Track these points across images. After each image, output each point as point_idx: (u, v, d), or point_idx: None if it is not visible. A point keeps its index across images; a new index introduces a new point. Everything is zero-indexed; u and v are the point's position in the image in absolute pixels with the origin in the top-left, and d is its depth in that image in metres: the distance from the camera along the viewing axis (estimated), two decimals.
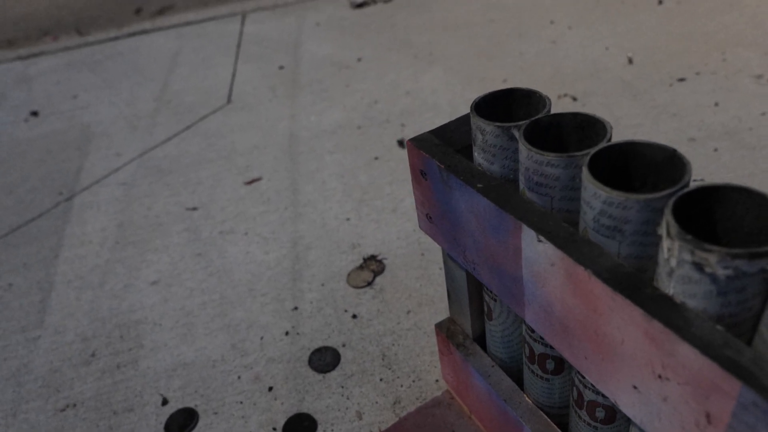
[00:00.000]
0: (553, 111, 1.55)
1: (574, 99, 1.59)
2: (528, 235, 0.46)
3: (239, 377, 0.98)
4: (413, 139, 0.59)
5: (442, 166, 0.54)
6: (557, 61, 1.79)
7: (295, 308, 1.09)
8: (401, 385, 0.94)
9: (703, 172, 1.24)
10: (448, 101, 1.68)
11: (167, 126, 1.79)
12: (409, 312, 1.05)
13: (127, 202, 1.45)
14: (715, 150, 1.29)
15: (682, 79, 1.58)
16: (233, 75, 2.07)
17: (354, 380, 0.96)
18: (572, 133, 0.50)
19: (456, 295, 0.73)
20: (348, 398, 0.93)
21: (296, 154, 1.55)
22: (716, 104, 1.45)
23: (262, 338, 1.04)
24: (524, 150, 0.46)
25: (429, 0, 2.43)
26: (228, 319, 1.09)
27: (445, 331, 0.78)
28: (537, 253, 0.46)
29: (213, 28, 2.52)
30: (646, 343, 0.38)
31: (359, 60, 2.02)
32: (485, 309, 0.69)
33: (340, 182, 1.41)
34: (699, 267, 0.35)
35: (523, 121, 0.48)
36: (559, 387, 0.62)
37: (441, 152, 0.56)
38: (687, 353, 0.35)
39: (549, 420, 0.64)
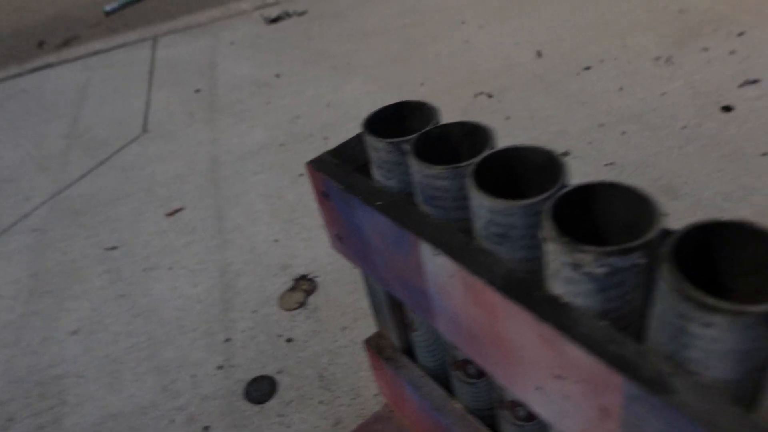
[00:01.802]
0: (471, 110, 1.57)
1: (490, 96, 1.62)
2: (426, 249, 0.46)
3: (173, 421, 0.94)
4: (312, 162, 0.58)
5: (342, 187, 0.53)
6: (471, 60, 1.82)
7: (228, 340, 1.06)
8: (341, 405, 0.93)
9: (614, 155, 1.29)
10: (370, 110, 1.68)
11: (80, 163, 1.71)
12: (344, 329, 1.04)
13: (40, 249, 1.38)
14: (624, 133, 1.35)
15: (588, 68, 1.64)
16: (147, 103, 2.00)
17: (293, 407, 0.94)
18: (463, 142, 0.50)
19: (379, 309, 0.72)
20: (288, 426, 0.91)
21: (220, 178, 1.52)
22: (621, 89, 1.51)
23: (194, 376, 1.00)
24: (413, 164, 0.46)
25: (343, 10, 2.44)
26: (157, 361, 1.05)
27: (375, 345, 0.77)
28: (437, 266, 0.46)
29: (122, 56, 2.44)
30: (542, 345, 0.39)
31: (278, 76, 2.00)
32: (408, 321, 0.69)
33: (266, 203, 1.39)
34: (577, 267, 0.35)
35: (412, 136, 0.48)
36: (485, 390, 0.63)
37: (340, 172, 0.55)
38: (576, 352, 0.36)
39: (478, 424, 0.64)
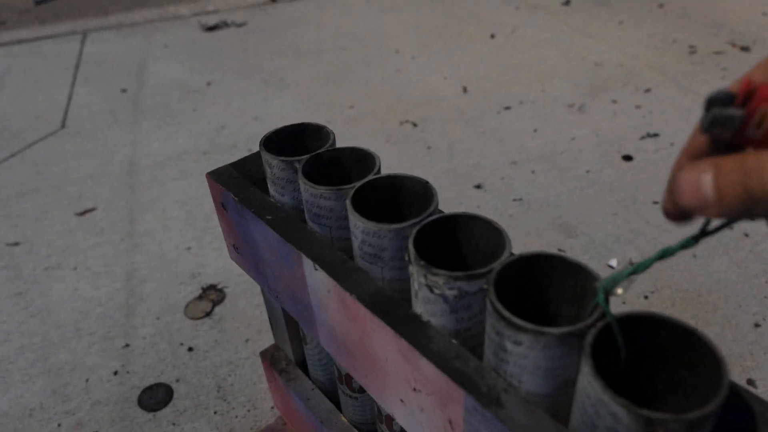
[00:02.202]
0: (395, 136, 1.63)
1: (415, 125, 1.68)
2: (308, 264, 0.48)
3: (59, 425, 0.91)
4: (212, 173, 0.59)
5: (237, 199, 0.55)
6: (400, 88, 1.89)
7: (126, 345, 1.04)
8: (236, 416, 0.93)
9: (522, 191, 1.37)
10: None
11: None
12: (248, 340, 1.05)
13: None
14: (533, 172, 1.44)
15: (508, 108, 1.74)
16: (69, 97, 1.94)
17: (187, 416, 0.93)
18: (353, 166, 0.53)
19: (274, 321, 0.74)
20: None
21: (136, 182, 1.49)
22: (535, 130, 1.61)
23: (87, 381, 0.98)
24: (301, 183, 0.49)
25: (281, 26, 2.46)
26: (49, 363, 1.01)
27: (269, 358, 0.78)
28: (316, 280, 0.48)
29: (49, 47, 2.35)
30: (401, 360, 0.42)
31: (209, 84, 1.99)
32: (302, 334, 0.71)
33: (182, 210, 1.38)
34: (431, 288, 0.39)
35: (304, 156, 0.51)
36: (368, 404, 0.65)
37: (237, 185, 0.57)
38: (427, 367, 0.39)
39: None
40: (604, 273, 1.11)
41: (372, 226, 0.42)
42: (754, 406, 0.34)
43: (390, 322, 0.41)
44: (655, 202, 1.29)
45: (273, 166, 0.52)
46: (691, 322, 1.00)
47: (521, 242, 1.21)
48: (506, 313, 0.34)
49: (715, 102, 0.25)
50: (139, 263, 1.22)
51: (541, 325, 0.33)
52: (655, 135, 1.54)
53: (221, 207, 0.60)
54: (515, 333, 0.34)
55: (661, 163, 1.42)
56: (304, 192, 0.49)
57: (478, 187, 1.40)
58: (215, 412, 0.93)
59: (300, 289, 0.53)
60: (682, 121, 1.59)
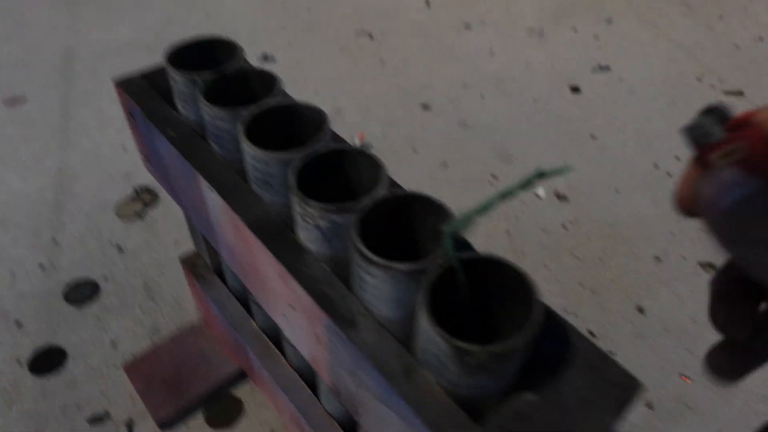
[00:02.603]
0: (350, 47, 1.59)
1: (371, 37, 1.64)
2: (204, 183, 0.49)
3: None
4: (120, 81, 0.59)
5: (142, 112, 0.55)
6: None
7: (54, 240, 1.05)
8: (162, 315, 0.97)
9: (468, 115, 1.37)
10: (248, 29, 1.64)
11: None
12: (178, 242, 1.07)
13: None
14: (482, 96, 1.44)
15: (468, 26, 1.70)
16: None
17: (113, 312, 0.96)
18: (259, 87, 0.53)
19: (192, 229, 0.76)
20: (104, 330, 0.94)
21: (72, 73, 1.43)
22: (491, 53, 1.60)
23: (12, 272, 0.99)
24: (200, 102, 0.49)
25: None
26: None
27: (189, 263, 0.81)
28: (213, 200, 0.50)
29: None
30: (280, 281, 0.45)
31: None
32: None
33: (120, 108, 1.34)
34: (307, 218, 0.41)
35: (206, 71, 0.51)
36: None
37: (144, 96, 0.57)
38: (298, 289, 0.42)
39: (270, 342, 0.71)
40: (533, 203, 1.15)
41: (260, 153, 0.43)
42: (572, 339, 0.38)
43: (270, 246, 0.44)
44: (593, 137, 1.33)
45: (177, 81, 0.52)
46: (599, 254, 1.06)
47: (459, 166, 1.24)
48: (362, 247, 0.36)
49: (711, 112, 0.26)
50: (71, 159, 1.21)
51: (406, 260, 0.36)
52: (607, 68, 1.55)
53: (130, 116, 0.60)
54: (369, 266, 0.36)
55: (606, 98, 1.44)
56: (203, 111, 0.49)
57: (426, 107, 1.40)
58: (141, 311, 0.97)
59: (202, 207, 0.54)
60: (637, 58, 1.60)
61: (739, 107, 1.37)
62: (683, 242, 1.09)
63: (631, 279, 1.02)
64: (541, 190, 1.18)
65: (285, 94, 0.52)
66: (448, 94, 1.44)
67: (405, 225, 0.42)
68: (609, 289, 1.00)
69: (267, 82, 0.52)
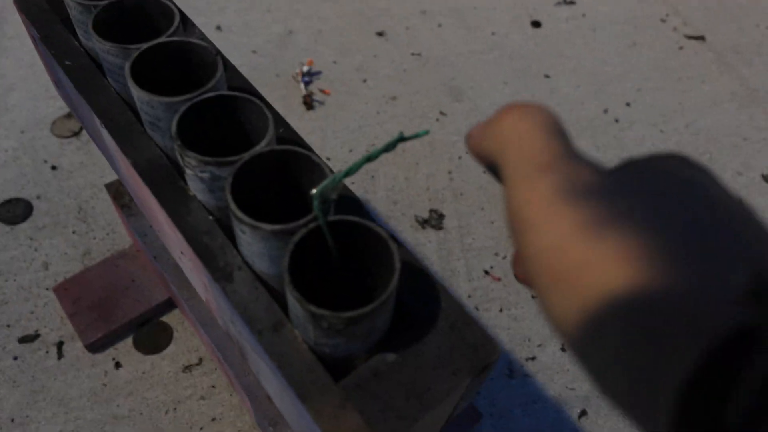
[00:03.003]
0: None
1: None
2: (98, 119, 0.48)
3: None
4: (19, 1, 0.55)
5: (39, 36, 0.52)
6: None
7: None
8: (94, 238, 0.96)
9: (423, 46, 1.34)
10: None
11: None
12: None
13: None
14: (440, 25, 1.39)
15: None
16: None
17: (45, 232, 0.96)
18: (160, 18, 0.51)
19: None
20: (36, 250, 0.94)
21: None
22: None
23: None
24: (90, 33, 0.46)
25: None
26: None
27: (114, 191, 0.80)
28: (107, 137, 0.49)
29: None
30: (167, 226, 0.45)
31: None
32: None
33: None
34: (189, 168, 0.40)
35: (103, 1, 0.48)
36: None
37: (43, 20, 0.54)
38: (180, 238, 0.42)
39: (184, 274, 0.72)
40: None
41: (144, 95, 0.42)
42: (441, 300, 0.39)
43: (156, 192, 0.43)
44: (547, 76, 1.31)
45: (71, 7, 0.49)
46: None
47: (408, 100, 1.22)
48: (232, 205, 0.36)
49: None
50: (5, 69, 1.15)
51: (290, 217, 0.36)
52: (571, 2, 1.51)
53: (33, 40, 0.57)
54: (240, 223, 0.36)
55: (567, 35, 1.41)
56: (94, 42, 0.47)
57: (381, 34, 1.35)
58: (74, 232, 0.96)
59: (100, 140, 0.53)
60: None
61: (698, 53, 1.36)
62: None
63: None
64: None
65: (185, 30, 0.50)
66: (406, 21, 1.39)
67: (291, 180, 0.42)
68: None
69: (167, 14, 0.49)
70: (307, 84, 1.21)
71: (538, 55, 1.35)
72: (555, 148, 0.22)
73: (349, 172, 0.34)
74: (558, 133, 0.23)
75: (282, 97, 1.19)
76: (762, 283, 0.16)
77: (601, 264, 0.18)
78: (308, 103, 1.17)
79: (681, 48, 1.40)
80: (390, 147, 0.33)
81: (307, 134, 1.13)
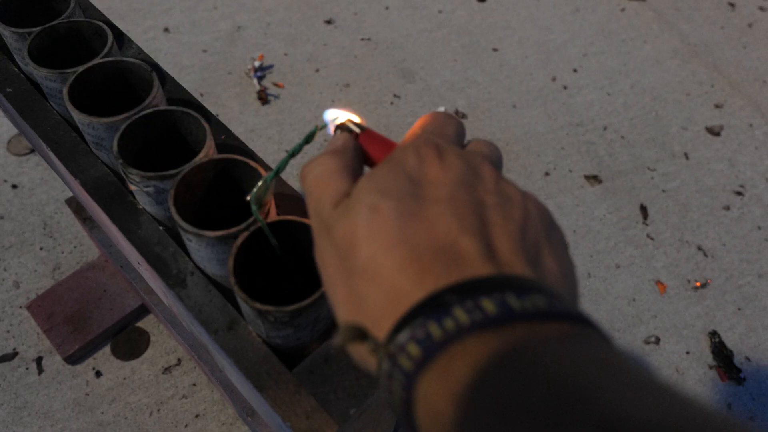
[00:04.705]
0: None
1: None
2: (42, 143, 0.50)
3: None
4: None
5: None
6: None
7: None
8: (62, 252, 0.97)
9: (372, 30, 1.35)
10: None
11: None
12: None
13: None
14: (387, 8, 1.41)
15: None
16: None
17: (12, 251, 0.97)
18: (95, 40, 0.52)
19: None
20: (5, 269, 0.95)
21: None
22: None
23: None
24: (27, 61, 0.48)
25: None
26: None
27: (74, 206, 0.81)
28: (55, 159, 0.50)
29: None
30: (121, 239, 0.47)
31: None
32: None
33: None
34: (134, 182, 0.42)
35: (36, 29, 0.49)
36: None
37: None
38: (134, 250, 0.44)
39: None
40: None
41: (83, 117, 0.44)
42: None
43: (105, 208, 0.45)
44: (495, 50, 1.34)
45: (6, 36, 0.50)
46: None
47: (361, 86, 1.24)
48: (176, 216, 0.38)
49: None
50: None
51: (232, 222, 0.39)
52: None
53: None
54: (185, 233, 0.39)
55: (511, 7, 1.44)
56: (31, 68, 0.48)
57: (329, 22, 1.36)
58: (41, 248, 0.97)
59: (51, 162, 0.54)
60: None
61: (639, 13, 1.40)
62: (572, 155, 1.15)
63: None
64: (442, 108, 1.21)
65: (120, 48, 0.51)
66: (352, 7, 1.40)
67: (233, 185, 0.44)
68: None
69: (101, 34, 0.51)
70: (260, 79, 1.23)
71: (485, 29, 1.38)
72: None
73: (277, 172, 0.36)
74: None
75: (237, 94, 1.20)
76: None
77: None
78: (263, 98, 1.19)
79: (623, 10, 1.43)
80: (308, 139, 0.36)
81: (265, 129, 1.14)
